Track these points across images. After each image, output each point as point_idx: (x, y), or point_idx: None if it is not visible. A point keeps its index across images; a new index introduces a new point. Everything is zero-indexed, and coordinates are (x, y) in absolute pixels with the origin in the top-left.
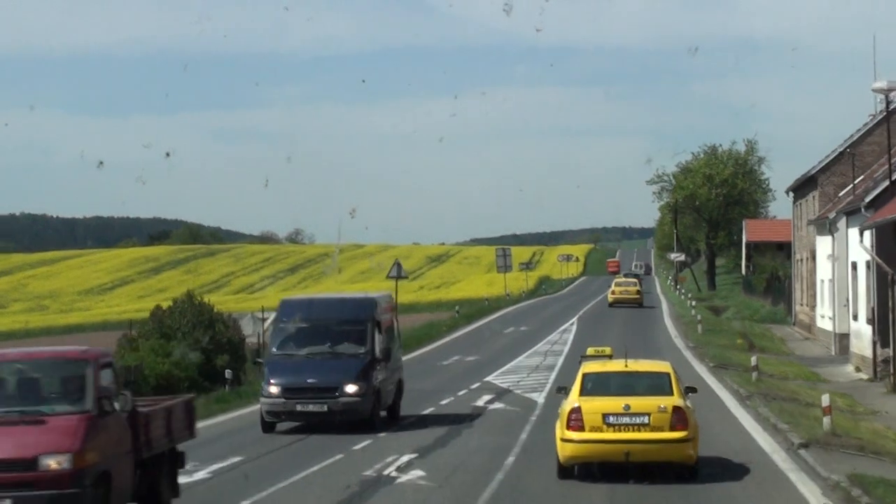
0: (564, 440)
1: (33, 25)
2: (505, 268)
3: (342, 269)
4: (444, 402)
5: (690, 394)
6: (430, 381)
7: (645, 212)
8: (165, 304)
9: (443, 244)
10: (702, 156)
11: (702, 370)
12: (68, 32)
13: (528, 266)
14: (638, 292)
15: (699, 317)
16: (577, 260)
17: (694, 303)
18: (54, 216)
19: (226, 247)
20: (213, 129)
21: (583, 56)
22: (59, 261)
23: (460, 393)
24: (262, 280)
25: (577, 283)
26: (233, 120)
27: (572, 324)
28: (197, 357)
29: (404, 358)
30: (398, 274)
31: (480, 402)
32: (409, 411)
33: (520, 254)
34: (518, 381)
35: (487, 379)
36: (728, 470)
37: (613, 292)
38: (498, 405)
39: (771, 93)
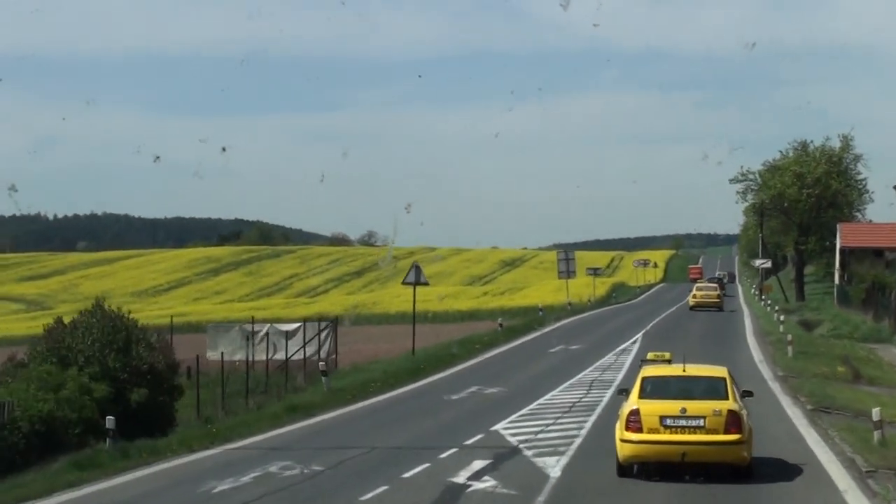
0: (623, 441)
1: (125, 27)
2: (567, 273)
3: (441, 261)
4: (407, 474)
5: (747, 397)
6: (417, 428)
7: (730, 218)
8: (202, 308)
9: (525, 248)
10: (791, 153)
11: (797, 416)
12: (159, 33)
13: (596, 272)
14: (718, 296)
15: (789, 336)
16: (656, 266)
17: (782, 317)
18: (136, 216)
19: (292, 248)
20: (295, 132)
21: (668, 62)
22: (117, 261)
23: (444, 455)
24: (326, 283)
25: (653, 290)
26: (313, 123)
27: (635, 341)
28: (103, 390)
29: (409, 387)
30: (416, 279)
31: (460, 478)
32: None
33: (597, 259)
34: (537, 433)
35: (497, 427)
36: (783, 470)
37: (695, 296)
38: (485, 484)
39: (859, 99)
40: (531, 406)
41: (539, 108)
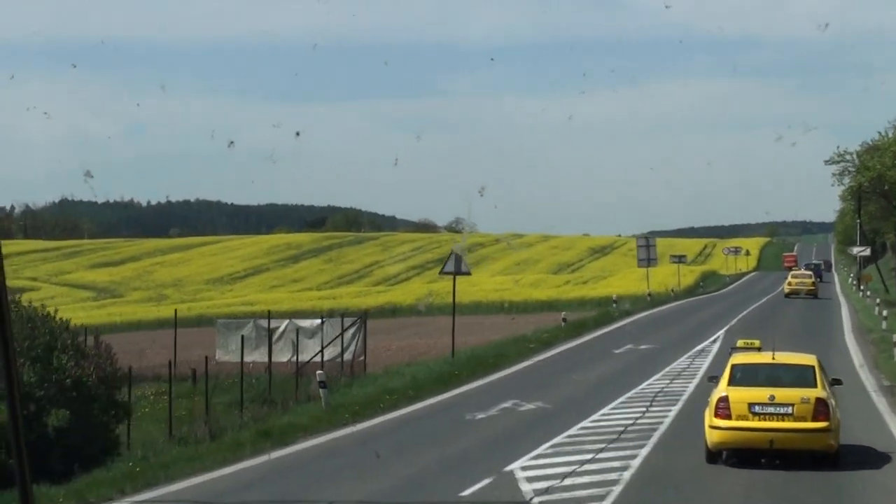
0: (712, 427)
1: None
2: (648, 261)
3: (515, 251)
4: None
5: (836, 385)
6: (406, 468)
7: (826, 206)
8: (295, 296)
9: (619, 235)
10: (891, 133)
11: None
12: (253, 21)
13: (681, 259)
14: (813, 284)
15: (895, 336)
16: (748, 254)
17: (885, 311)
18: (228, 203)
19: (375, 234)
20: (389, 118)
21: (764, 48)
22: (194, 247)
23: None
24: (407, 270)
25: (744, 279)
26: (406, 108)
27: (715, 340)
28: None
29: (429, 402)
30: (456, 269)
31: None
32: None
33: (688, 247)
34: (565, 476)
35: (515, 466)
36: (869, 458)
37: (790, 283)
38: None
39: None
40: (571, 431)
41: (633, 95)
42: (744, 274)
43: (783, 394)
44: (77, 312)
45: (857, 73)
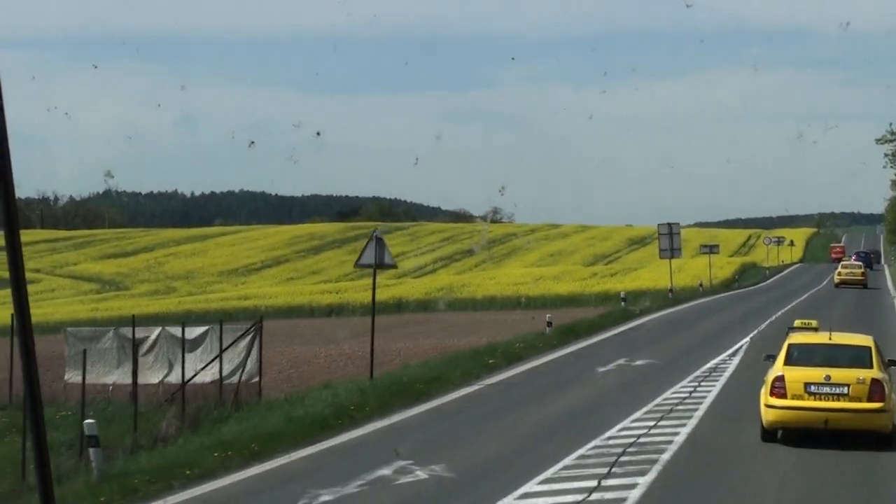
0: (768, 406)
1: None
2: (671, 252)
3: (531, 250)
4: None
5: (893, 367)
6: None
7: (876, 197)
8: (314, 288)
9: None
10: None
11: None
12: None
13: (712, 250)
14: (863, 274)
15: None
16: (793, 244)
17: None
18: (272, 193)
19: (404, 224)
20: (436, 109)
21: (816, 39)
22: (213, 237)
23: None
24: (434, 262)
25: (788, 271)
26: (454, 100)
27: (736, 352)
28: None
29: (267, 466)
30: (379, 260)
31: None
32: None
33: (732, 237)
34: None
35: None
36: None
37: (840, 274)
38: None
39: None
40: None
41: (682, 86)
42: (787, 266)
43: (839, 374)
44: (75, 306)
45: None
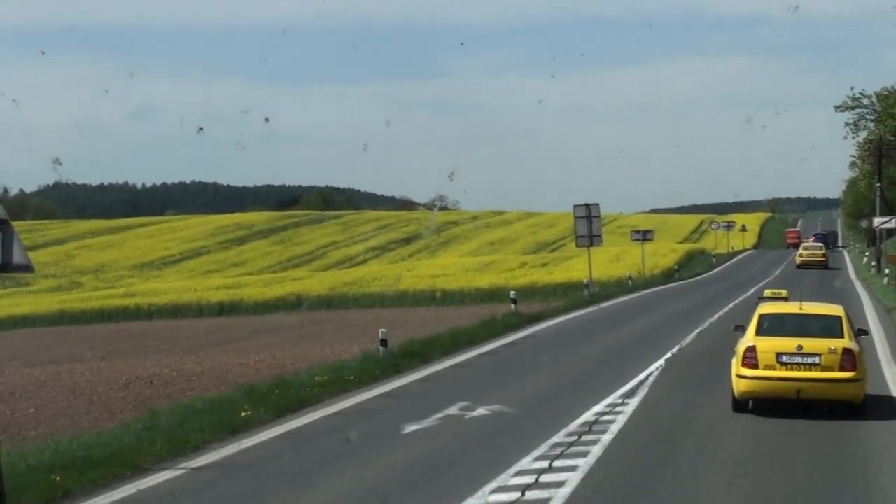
0: (739, 376)
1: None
2: (589, 238)
3: (472, 237)
4: None
5: (862, 336)
6: None
7: (832, 183)
8: (239, 280)
9: (621, 213)
10: None
11: None
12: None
13: (644, 236)
14: (823, 255)
15: None
16: (745, 229)
17: None
18: (224, 184)
19: (339, 213)
20: (386, 98)
21: (771, 25)
22: (134, 228)
23: None
24: (367, 252)
25: (737, 259)
26: (404, 89)
27: (636, 389)
28: None
29: None
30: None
31: None
32: None
33: (684, 223)
34: None
35: None
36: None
37: (801, 255)
38: None
39: None
40: None
41: (633, 74)
42: (738, 253)
43: (810, 344)
44: None
45: (864, 49)
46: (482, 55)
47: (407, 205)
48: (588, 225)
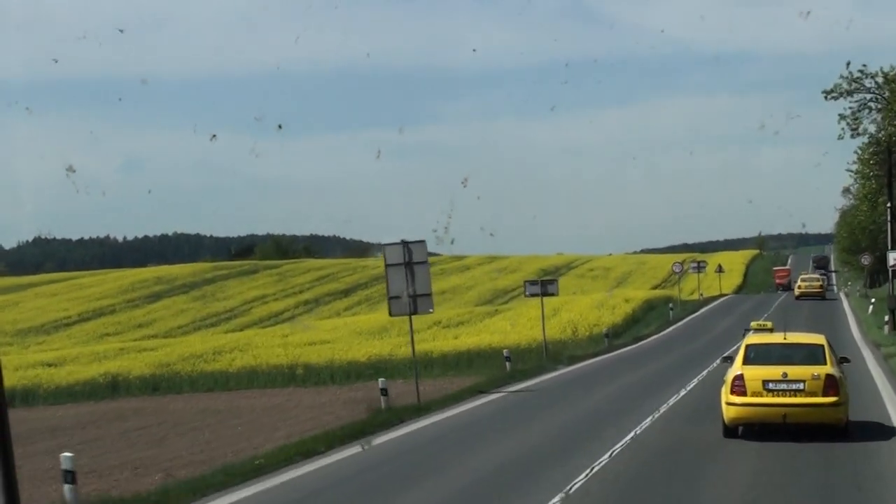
0: (729, 404)
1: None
2: (410, 303)
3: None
4: None
5: (844, 364)
6: None
7: (822, 218)
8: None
9: (611, 254)
10: None
11: None
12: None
13: (545, 289)
14: (821, 286)
15: None
16: (722, 270)
17: None
18: (208, 235)
19: (278, 262)
20: (373, 144)
21: (759, 63)
22: (39, 285)
23: None
24: (297, 306)
25: (707, 309)
26: (392, 135)
27: None
28: None
29: None
30: None
31: None
32: None
33: (663, 264)
34: None
35: None
36: (880, 432)
37: (799, 286)
38: None
39: None
40: None
41: (620, 114)
42: (711, 300)
43: (795, 371)
44: None
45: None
46: (470, 99)
47: (360, 250)
48: (406, 277)
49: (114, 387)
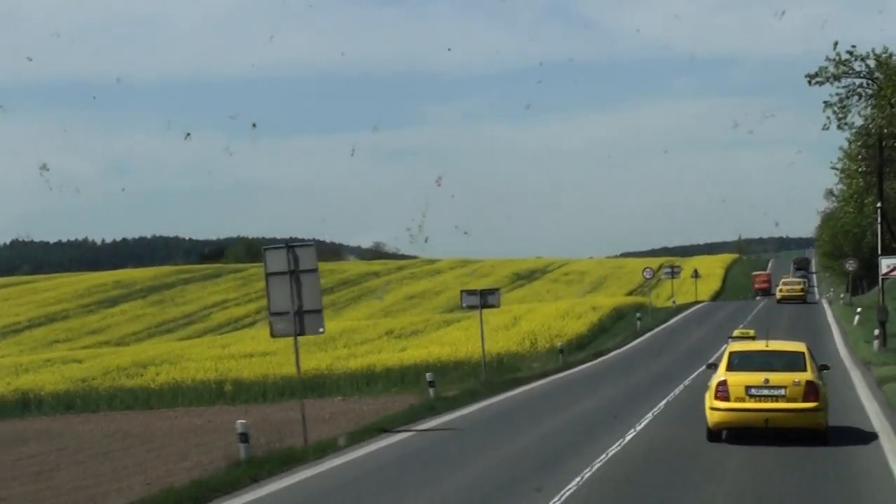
0: (713, 409)
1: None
2: (295, 322)
3: (389, 290)
4: None
5: (824, 371)
6: None
7: (800, 220)
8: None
9: (591, 258)
10: None
11: None
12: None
13: (484, 300)
14: (802, 290)
15: None
16: (698, 275)
17: None
18: (186, 238)
19: (242, 266)
20: (352, 146)
21: (742, 67)
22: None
23: None
24: (257, 312)
25: (680, 317)
26: (371, 137)
27: None
28: None
29: None
30: None
31: None
32: None
33: (641, 267)
34: None
35: None
36: (858, 437)
37: (781, 290)
38: None
39: None
40: None
41: (602, 118)
42: (685, 307)
43: (776, 377)
44: None
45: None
46: (448, 101)
47: (331, 253)
48: (292, 289)
49: (24, 404)
